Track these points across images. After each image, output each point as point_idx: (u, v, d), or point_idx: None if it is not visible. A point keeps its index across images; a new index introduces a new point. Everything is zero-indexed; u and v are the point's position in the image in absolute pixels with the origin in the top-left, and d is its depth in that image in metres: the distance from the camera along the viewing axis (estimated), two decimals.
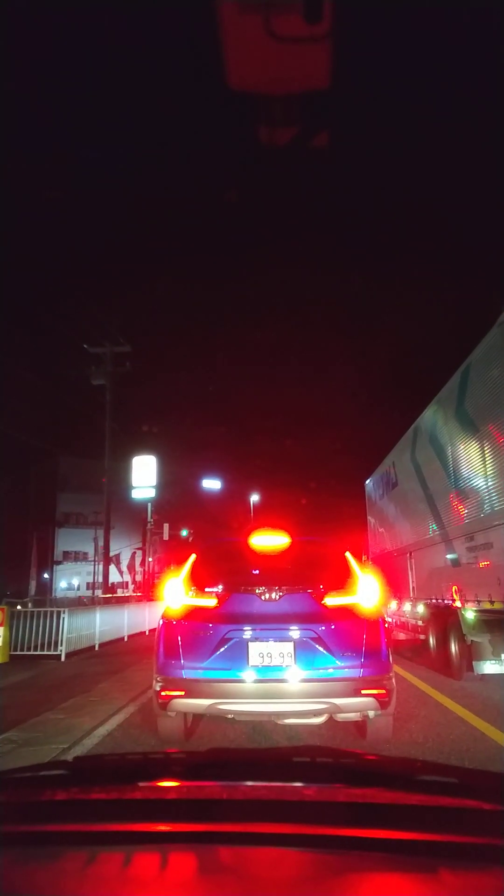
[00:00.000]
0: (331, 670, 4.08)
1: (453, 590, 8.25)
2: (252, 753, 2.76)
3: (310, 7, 2.06)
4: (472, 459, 7.70)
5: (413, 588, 10.88)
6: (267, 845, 1.13)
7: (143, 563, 38.25)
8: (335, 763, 1.70)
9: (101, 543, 27.00)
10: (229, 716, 4.42)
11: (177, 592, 4.53)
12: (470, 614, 7.52)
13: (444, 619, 8.71)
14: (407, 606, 11.26)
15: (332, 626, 4.22)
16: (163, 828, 1.22)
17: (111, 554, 27.78)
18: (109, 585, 25.44)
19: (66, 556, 55.96)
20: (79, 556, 54.86)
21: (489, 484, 7.07)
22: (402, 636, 10.99)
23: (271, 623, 4.21)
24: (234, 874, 1.09)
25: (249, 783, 1.44)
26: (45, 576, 52.60)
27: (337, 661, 4.09)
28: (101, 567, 29.33)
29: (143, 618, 16.38)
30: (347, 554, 4.97)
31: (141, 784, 1.46)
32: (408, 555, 11.21)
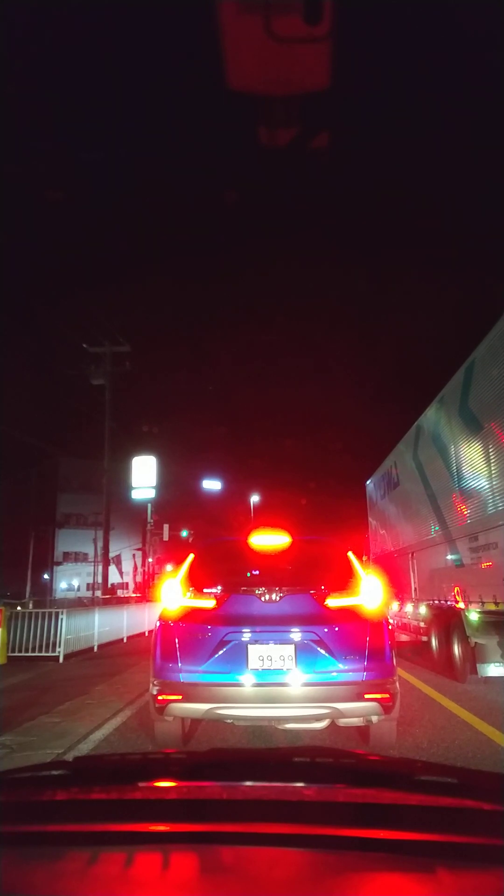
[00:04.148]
0: (333, 674, 4.00)
1: (456, 591, 8.23)
2: (252, 754, 2.75)
3: (310, 7, 2.07)
4: (475, 458, 7.69)
5: (415, 589, 10.87)
6: (267, 845, 1.13)
7: (143, 563, 38.25)
8: (335, 763, 1.70)
9: (101, 544, 26.99)
10: (228, 720, 4.36)
11: (174, 593, 4.45)
12: (473, 615, 7.50)
13: (447, 620, 8.69)
14: (409, 607, 11.25)
15: (335, 628, 4.14)
16: (163, 828, 1.22)
17: (111, 555, 27.77)
18: (109, 586, 25.42)
19: (66, 556, 55.94)
20: (79, 557, 54.82)
21: (493, 483, 7.06)
22: (404, 637, 10.98)
23: (271, 625, 4.14)
24: (234, 874, 1.09)
25: (249, 783, 1.43)
26: (45, 577, 52.60)
27: (339, 665, 4.01)
28: (100, 568, 29.34)
29: (143, 619, 16.36)
30: (350, 553, 4.90)
31: (141, 784, 1.46)
32: (409, 555, 11.20)
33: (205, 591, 4.46)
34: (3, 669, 9.29)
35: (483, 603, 7.27)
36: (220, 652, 4.06)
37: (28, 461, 44.28)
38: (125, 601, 24.84)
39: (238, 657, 4.04)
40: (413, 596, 10.88)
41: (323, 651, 4.04)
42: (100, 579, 29.84)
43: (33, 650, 10.61)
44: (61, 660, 10.55)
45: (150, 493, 27.50)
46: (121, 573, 48.91)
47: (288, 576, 4.64)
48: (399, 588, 11.89)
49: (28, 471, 45.71)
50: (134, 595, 34.87)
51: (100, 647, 12.66)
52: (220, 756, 2.12)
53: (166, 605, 4.45)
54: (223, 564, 4.96)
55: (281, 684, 3.98)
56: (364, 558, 14.59)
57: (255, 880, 1.06)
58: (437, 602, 9.36)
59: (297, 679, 3.99)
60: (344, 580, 4.53)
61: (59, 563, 55.41)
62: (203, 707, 4.03)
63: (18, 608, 14.65)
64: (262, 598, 4.28)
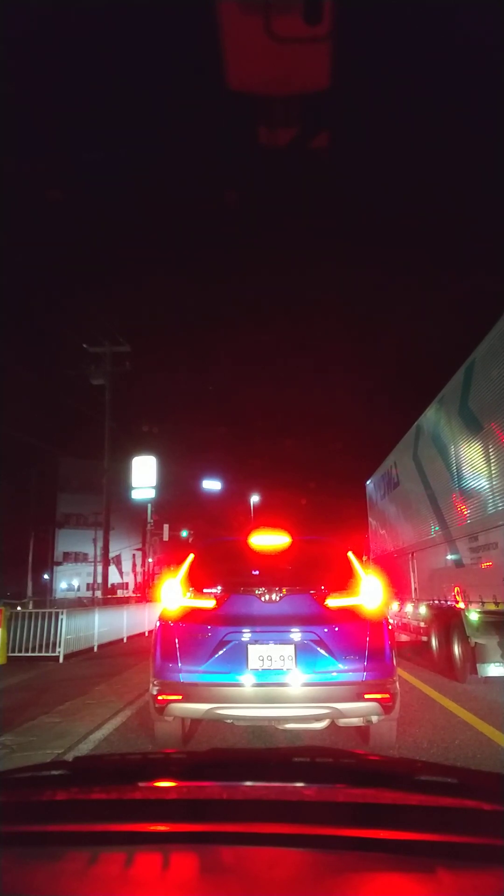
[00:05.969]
0: (333, 674, 4.00)
1: (456, 591, 8.23)
2: (252, 754, 2.75)
3: (310, 7, 2.06)
4: (475, 458, 7.69)
5: (415, 589, 10.87)
6: (267, 845, 1.13)
7: (143, 563, 38.26)
8: (335, 763, 1.70)
9: (101, 544, 26.99)
10: (228, 720, 4.36)
11: (174, 593, 4.45)
12: (473, 615, 7.50)
13: (447, 620, 8.70)
14: (409, 608, 11.25)
15: (335, 628, 4.14)
16: (163, 828, 1.22)
17: (111, 555, 27.76)
18: (109, 586, 25.42)
19: (66, 556, 55.95)
20: (79, 557, 54.84)
21: (493, 483, 7.06)
22: (404, 637, 10.98)
23: (271, 625, 4.14)
24: (234, 874, 1.09)
25: (249, 783, 1.43)
26: (45, 577, 52.61)
27: (339, 665, 4.01)
28: (100, 568, 29.35)
29: (143, 619, 16.36)
30: (350, 554, 4.90)
31: (141, 784, 1.46)
32: (409, 555, 11.20)
33: (205, 591, 4.46)
34: (3, 669, 9.29)
35: (483, 603, 7.27)
36: (220, 652, 4.06)
37: (28, 461, 44.29)
38: (125, 601, 24.84)
39: (238, 657, 4.04)
40: (413, 596, 10.88)
41: (323, 651, 4.04)
42: (100, 579, 29.85)
43: (33, 650, 10.61)
44: (61, 660, 10.55)
45: (150, 493, 27.50)
46: (121, 573, 48.90)
47: (288, 576, 4.63)
48: (399, 588, 11.89)
49: (28, 471, 45.74)
50: (134, 595, 34.88)
51: (100, 647, 12.67)
52: (220, 756, 2.12)
53: (166, 605, 4.45)
54: (223, 564, 4.96)
55: (281, 684, 3.98)
56: (364, 558, 14.58)
57: (255, 880, 1.06)
58: (437, 602, 9.36)
59: (296, 679, 3.99)
60: (344, 580, 4.53)
61: (59, 563, 55.40)
62: (203, 707, 4.03)
63: (18, 608, 14.65)
64: (262, 598, 4.28)
